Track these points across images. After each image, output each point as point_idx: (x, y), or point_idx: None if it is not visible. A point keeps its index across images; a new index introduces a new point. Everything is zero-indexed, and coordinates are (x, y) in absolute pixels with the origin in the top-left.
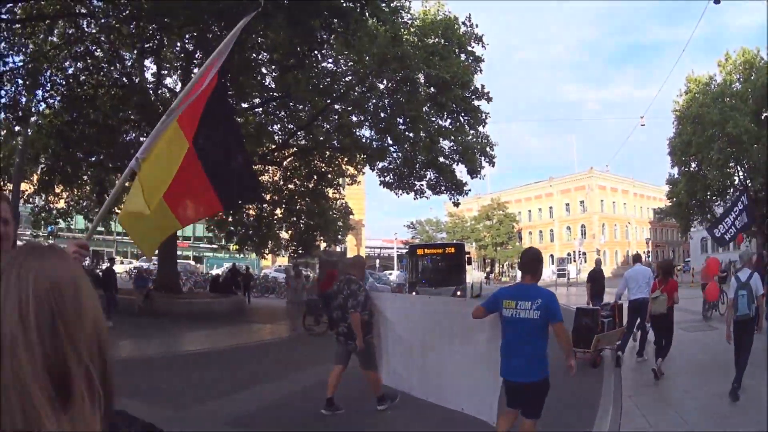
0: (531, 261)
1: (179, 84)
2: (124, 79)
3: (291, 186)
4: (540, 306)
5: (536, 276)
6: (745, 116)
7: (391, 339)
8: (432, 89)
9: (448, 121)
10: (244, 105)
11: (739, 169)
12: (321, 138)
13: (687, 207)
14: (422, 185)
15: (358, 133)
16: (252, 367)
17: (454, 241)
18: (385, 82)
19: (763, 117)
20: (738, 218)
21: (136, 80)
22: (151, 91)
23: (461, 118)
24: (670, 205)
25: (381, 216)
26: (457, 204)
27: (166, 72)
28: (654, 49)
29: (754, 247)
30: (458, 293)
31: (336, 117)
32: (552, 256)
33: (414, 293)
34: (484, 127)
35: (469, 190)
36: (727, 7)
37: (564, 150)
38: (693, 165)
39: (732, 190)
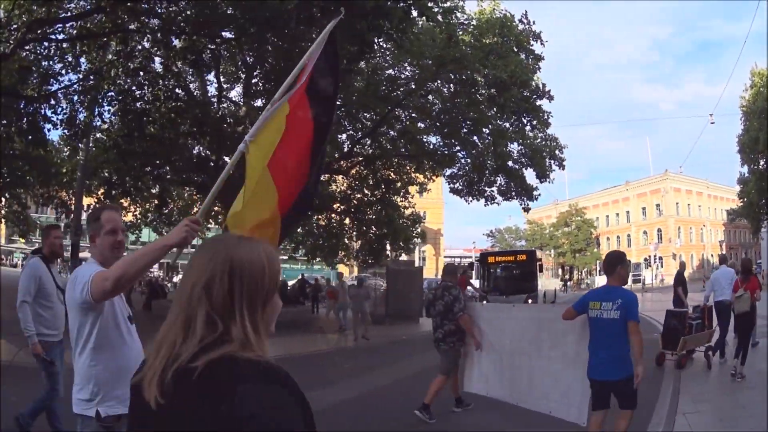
0: (607, 263)
1: (242, 97)
2: (180, 92)
3: (359, 195)
4: (620, 306)
5: (616, 277)
6: None
7: (483, 346)
8: (492, 90)
9: (511, 122)
10: None
11: None
12: (387, 145)
13: (757, 206)
14: (492, 191)
15: (425, 140)
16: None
17: (526, 249)
18: (444, 84)
19: None
20: None
21: (196, 93)
22: (214, 105)
23: (523, 119)
24: (741, 205)
25: (461, 225)
26: (527, 210)
27: (228, 86)
28: (721, 46)
29: None
30: (529, 301)
31: (400, 124)
32: (629, 261)
33: (485, 302)
34: (547, 127)
35: (539, 194)
36: None
37: (637, 152)
38: (762, 162)
39: None
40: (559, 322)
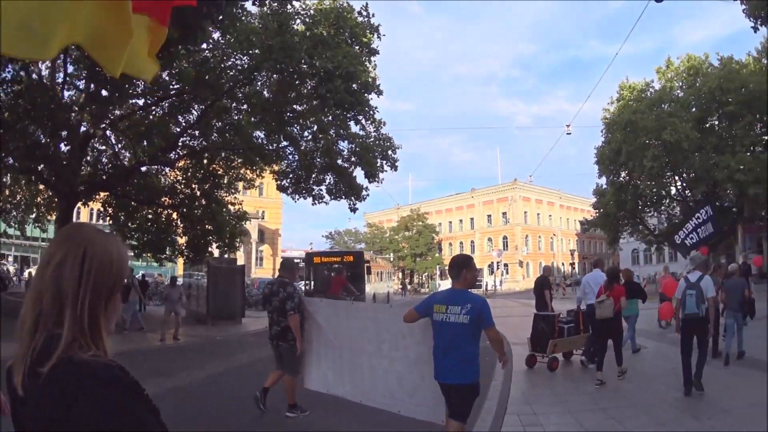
0: (452, 266)
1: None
2: (24, 75)
3: (188, 190)
4: (470, 311)
5: (462, 281)
6: (685, 123)
7: (322, 343)
8: (315, 81)
9: (336, 115)
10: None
11: (676, 178)
12: (216, 138)
13: (615, 218)
14: (321, 190)
15: (254, 134)
16: None
17: (353, 249)
18: (271, 75)
19: (708, 125)
20: (701, 227)
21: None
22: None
23: (347, 113)
24: (597, 215)
25: (304, 227)
26: (354, 210)
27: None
28: (592, 66)
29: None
30: (350, 302)
31: (228, 116)
32: (475, 265)
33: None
34: (373, 122)
35: (368, 195)
36: (675, 22)
37: (492, 163)
38: (623, 174)
39: (668, 200)
40: (399, 323)
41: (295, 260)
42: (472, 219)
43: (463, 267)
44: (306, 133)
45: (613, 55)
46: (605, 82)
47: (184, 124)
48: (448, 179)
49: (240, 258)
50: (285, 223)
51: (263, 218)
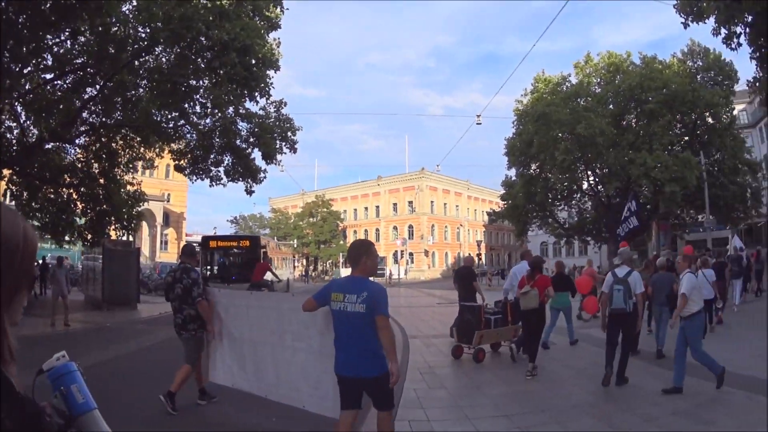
0: (351, 252)
1: None
2: None
3: (87, 168)
4: (366, 299)
5: (360, 268)
6: (602, 118)
7: (224, 335)
8: (211, 54)
9: (229, 90)
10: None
11: (588, 173)
12: (116, 115)
13: (524, 210)
14: (219, 171)
15: (153, 112)
16: None
17: (250, 234)
18: (168, 46)
19: (624, 122)
20: (625, 222)
21: None
22: None
23: (242, 88)
24: (505, 207)
25: (209, 210)
26: (250, 193)
27: None
28: (508, 61)
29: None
30: (247, 292)
31: (128, 91)
32: (377, 253)
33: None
34: (268, 99)
35: (264, 177)
36: (595, 23)
37: (398, 152)
38: (534, 167)
39: (579, 194)
40: (300, 312)
41: (194, 245)
42: (377, 207)
43: (362, 253)
44: (199, 109)
45: (527, 50)
46: (521, 78)
47: (85, 99)
48: (357, 167)
49: (145, 242)
50: (191, 207)
51: (168, 201)
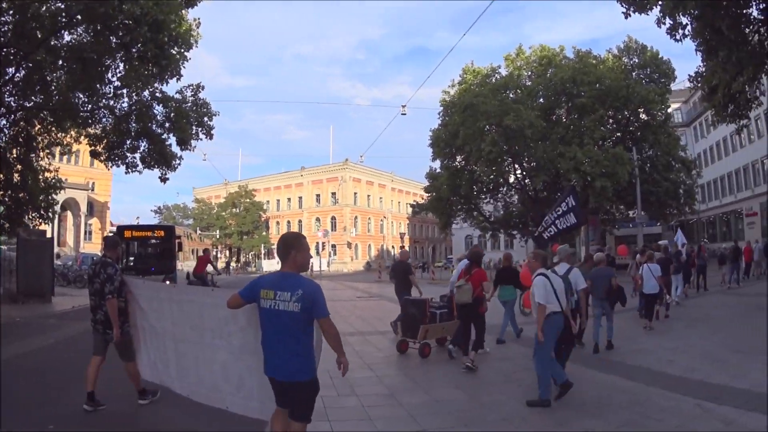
0: (280, 246)
1: None
2: None
3: (4, 154)
4: (301, 298)
5: (291, 263)
6: (531, 111)
7: (147, 329)
8: (122, 30)
9: (139, 68)
10: None
11: (516, 166)
12: (35, 97)
13: (448, 202)
14: (135, 158)
15: (73, 95)
16: None
17: (165, 223)
18: (82, 22)
19: (554, 117)
20: (562, 218)
21: None
22: None
23: (151, 66)
24: (429, 199)
25: (134, 200)
26: (164, 180)
27: None
28: (438, 55)
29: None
30: (168, 284)
31: (45, 71)
32: (307, 245)
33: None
34: (179, 80)
35: (179, 164)
36: (526, 20)
37: (324, 143)
38: (459, 159)
39: (505, 188)
40: (222, 308)
41: (117, 237)
42: (300, 198)
43: (291, 247)
44: (113, 91)
45: (461, 47)
46: (452, 72)
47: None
48: (282, 157)
49: (70, 231)
50: (115, 196)
51: (93, 190)
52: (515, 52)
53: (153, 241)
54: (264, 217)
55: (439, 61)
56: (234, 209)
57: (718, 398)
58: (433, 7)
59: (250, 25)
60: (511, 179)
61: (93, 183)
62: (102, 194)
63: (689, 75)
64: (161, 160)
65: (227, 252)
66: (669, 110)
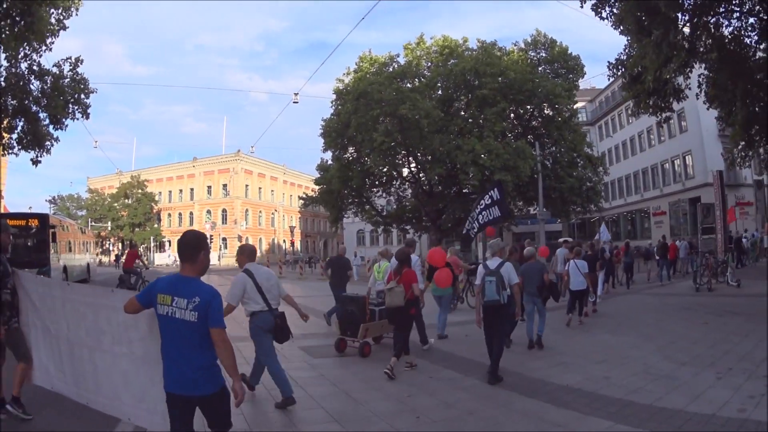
0: (186, 246)
1: None
2: None
3: None
4: (198, 306)
5: (197, 266)
6: (429, 101)
7: (41, 328)
8: None
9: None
10: None
11: (410, 159)
12: None
13: (339, 195)
14: (12, 139)
15: None
16: None
17: (38, 213)
18: None
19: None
20: (485, 211)
21: None
22: None
23: (15, 25)
24: (319, 191)
25: (31, 190)
26: (36, 163)
27: None
28: (338, 49)
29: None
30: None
31: None
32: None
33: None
34: (49, 46)
35: (51, 146)
36: (430, 18)
37: (220, 134)
38: (351, 150)
39: (399, 181)
40: (120, 312)
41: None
42: (192, 189)
43: (200, 248)
44: None
45: (361, 41)
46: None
47: None
48: (178, 149)
49: None
50: (11, 186)
51: None
52: (416, 41)
53: (25, 231)
54: (156, 209)
55: (332, 50)
56: (126, 200)
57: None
58: (337, 2)
59: (152, 12)
60: (405, 172)
61: None
62: None
63: (609, 62)
64: (33, 140)
65: (119, 245)
66: (575, 107)
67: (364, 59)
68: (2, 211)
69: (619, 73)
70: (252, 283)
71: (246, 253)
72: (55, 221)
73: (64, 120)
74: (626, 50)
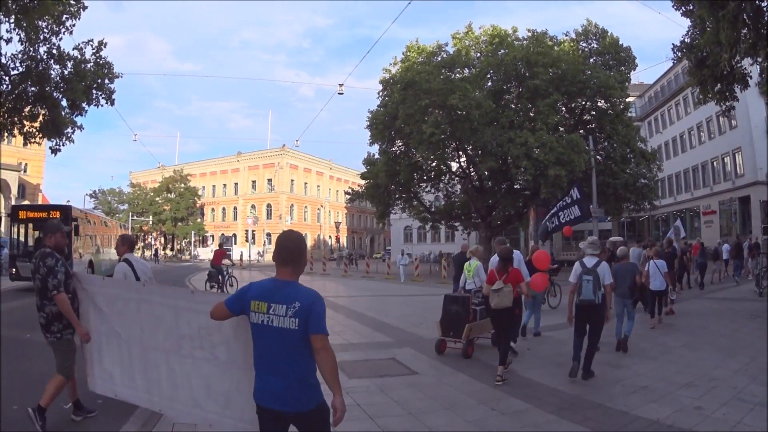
0: (288, 248)
1: None
2: None
3: None
4: (299, 312)
5: (297, 269)
6: (479, 90)
7: (104, 333)
8: None
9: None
10: None
11: (459, 152)
12: None
13: (386, 190)
14: (34, 127)
15: None
16: None
17: (61, 204)
18: None
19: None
20: (565, 210)
21: None
22: None
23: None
24: (366, 186)
25: (71, 183)
26: (55, 151)
27: None
28: (384, 46)
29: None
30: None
31: None
32: (235, 235)
33: (14, 271)
34: (74, 23)
35: (72, 133)
36: (480, 14)
37: (271, 130)
38: (399, 143)
39: (448, 176)
40: (203, 315)
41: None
42: (236, 184)
43: (302, 251)
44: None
45: (407, 38)
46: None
47: None
48: (224, 145)
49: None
50: (50, 179)
51: (25, 171)
52: (465, 29)
53: (49, 222)
54: (199, 203)
55: (373, 44)
56: (168, 194)
57: None
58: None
59: (196, 9)
60: (454, 167)
61: (26, 164)
62: (34, 176)
63: (673, 44)
64: (52, 129)
65: (162, 239)
66: (628, 100)
67: (411, 48)
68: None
69: (683, 55)
70: (132, 273)
71: (127, 243)
72: (78, 214)
73: (85, 106)
74: (690, 32)
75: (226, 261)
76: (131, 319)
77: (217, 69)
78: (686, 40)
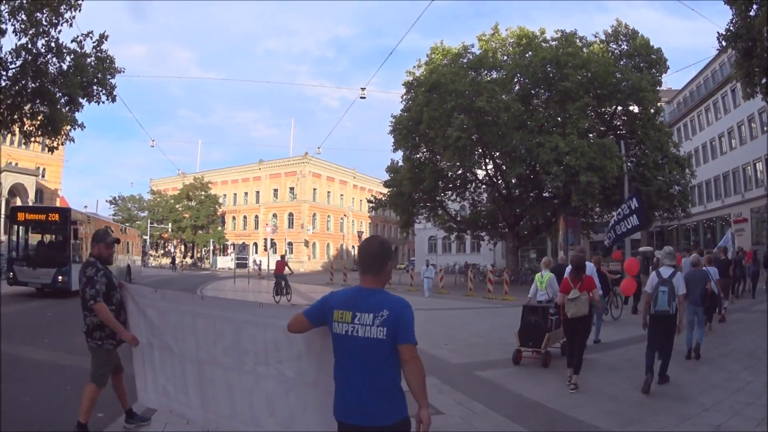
0: (371, 256)
1: None
2: None
3: None
4: (387, 320)
5: (381, 277)
6: (506, 93)
7: (156, 347)
8: None
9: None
10: None
11: (486, 160)
12: None
13: (410, 198)
14: (34, 125)
15: None
16: None
17: (59, 207)
18: None
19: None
20: (623, 222)
21: None
22: None
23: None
24: (389, 194)
25: (89, 188)
26: (52, 149)
27: None
28: (408, 56)
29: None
30: (60, 279)
31: None
32: (256, 244)
33: (11, 275)
34: (74, 15)
35: (72, 129)
36: (504, 22)
37: (295, 140)
38: (423, 150)
39: (474, 184)
40: (271, 329)
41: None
42: (258, 192)
43: (387, 257)
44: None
45: (430, 47)
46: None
47: None
48: (247, 154)
49: None
50: (69, 185)
51: (43, 176)
52: (491, 30)
53: (46, 226)
54: (220, 211)
55: (392, 50)
56: (188, 202)
57: None
58: (404, 7)
59: (220, 17)
60: (481, 174)
61: (43, 169)
62: (52, 181)
63: (718, 33)
64: (47, 127)
65: (182, 247)
66: (659, 104)
67: (436, 50)
68: None
69: (727, 45)
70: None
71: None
72: (79, 216)
73: (83, 101)
74: (733, 21)
75: (286, 270)
76: (186, 333)
77: (242, 78)
78: (731, 29)
